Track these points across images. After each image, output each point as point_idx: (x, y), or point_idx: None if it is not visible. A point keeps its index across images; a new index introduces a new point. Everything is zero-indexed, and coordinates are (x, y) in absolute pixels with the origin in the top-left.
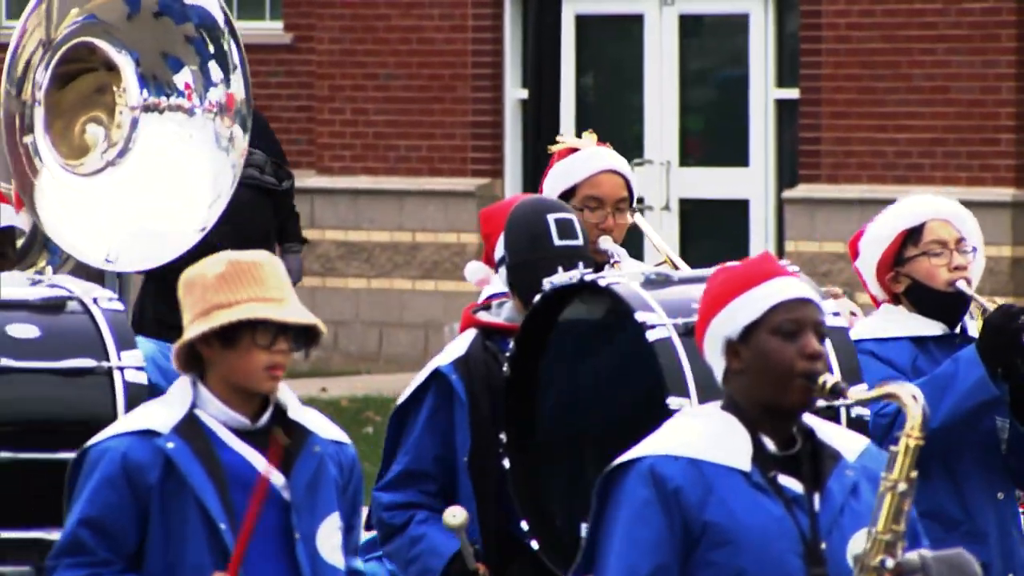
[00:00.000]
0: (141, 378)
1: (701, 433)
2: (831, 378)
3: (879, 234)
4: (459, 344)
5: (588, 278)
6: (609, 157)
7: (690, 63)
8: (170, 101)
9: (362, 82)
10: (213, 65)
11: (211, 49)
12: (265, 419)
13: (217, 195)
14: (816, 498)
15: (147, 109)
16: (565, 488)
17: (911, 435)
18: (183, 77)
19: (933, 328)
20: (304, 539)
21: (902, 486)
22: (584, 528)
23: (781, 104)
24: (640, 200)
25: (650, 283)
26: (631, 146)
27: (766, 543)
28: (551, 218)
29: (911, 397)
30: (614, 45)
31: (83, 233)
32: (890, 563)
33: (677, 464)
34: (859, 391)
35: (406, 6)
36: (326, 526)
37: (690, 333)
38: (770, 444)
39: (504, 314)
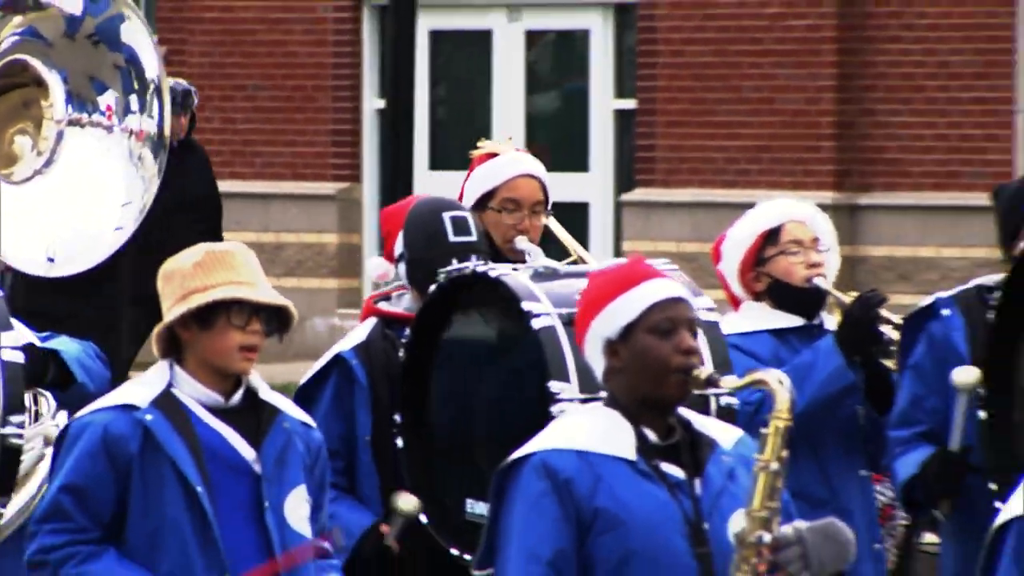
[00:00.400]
0: (17, 357)
1: (587, 428)
2: (705, 370)
3: (740, 237)
4: (360, 332)
5: (480, 270)
6: (527, 162)
7: (535, 75)
8: (92, 118)
9: (231, 93)
10: (134, 98)
11: (135, 86)
12: (237, 398)
13: (129, 199)
14: (697, 483)
15: (71, 123)
16: (454, 467)
17: (780, 417)
18: (106, 99)
19: (792, 321)
20: (273, 508)
21: (774, 465)
22: (470, 504)
23: (620, 114)
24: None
25: (538, 276)
26: None
27: (653, 526)
28: (447, 216)
29: (778, 382)
30: (465, 58)
31: (20, 237)
32: (767, 538)
33: (567, 457)
34: (731, 380)
35: (272, 22)
36: (293, 497)
37: (574, 322)
38: (651, 435)
39: (403, 304)
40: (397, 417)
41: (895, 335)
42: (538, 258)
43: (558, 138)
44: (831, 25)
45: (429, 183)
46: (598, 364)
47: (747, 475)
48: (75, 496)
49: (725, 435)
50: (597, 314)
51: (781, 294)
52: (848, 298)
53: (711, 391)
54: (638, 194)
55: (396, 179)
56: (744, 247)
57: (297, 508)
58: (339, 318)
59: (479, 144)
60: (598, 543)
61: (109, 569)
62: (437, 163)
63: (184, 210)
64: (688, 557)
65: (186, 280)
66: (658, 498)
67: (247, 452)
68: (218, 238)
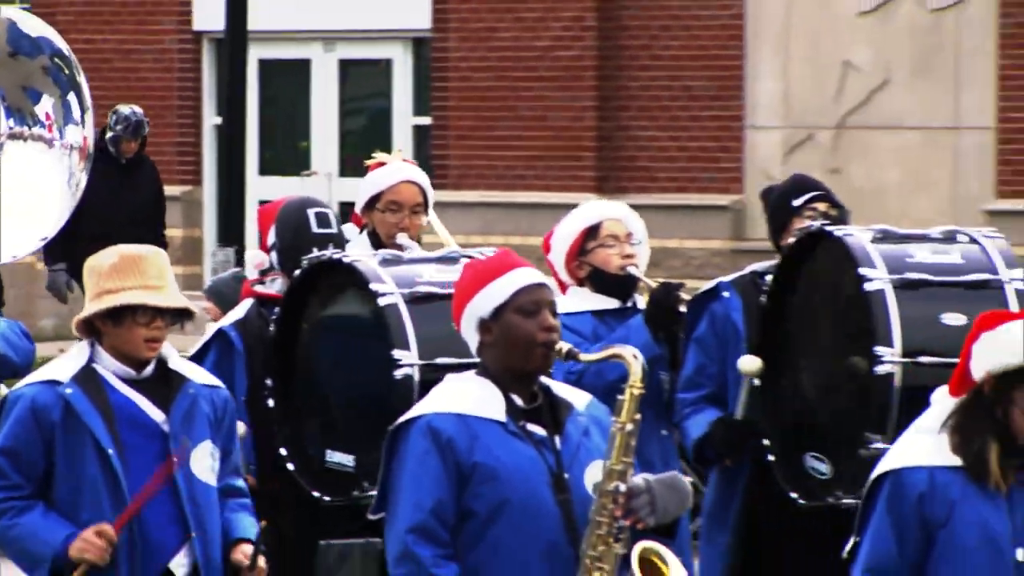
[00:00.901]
0: None
1: (465, 394)
2: (565, 345)
3: (566, 232)
4: (239, 310)
5: (336, 257)
6: (409, 171)
7: (347, 96)
8: (32, 131)
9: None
10: (72, 98)
11: (66, 75)
12: (149, 370)
13: (60, 216)
14: (557, 440)
15: (12, 137)
16: (316, 423)
17: (634, 386)
18: (43, 107)
19: (609, 304)
20: (182, 463)
21: (629, 427)
22: (329, 454)
23: (417, 129)
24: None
25: (385, 262)
26: (302, 161)
27: (522, 476)
28: (311, 212)
29: (632, 356)
30: (288, 82)
31: None
32: (622, 487)
33: (448, 419)
34: (590, 355)
35: (125, 52)
36: (198, 452)
37: (415, 301)
38: (518, 400)
39: (275, 287)
40: (268, 381)
41: None
42: (414, 251)
43: (367, 149)
44: (592, 55)
45: (258, 186)
46: (472, 340)
47: (599, 434)
48: (10, 458)
49: (578, 399)
50: (472, 297)
51: (600, 280)
52: (654, 284)
53: (571, 362)
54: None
55: (231, 183)
56: (569, 240)
57: (202, 460)
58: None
59: (373, 155)
60: (476, 493)
61: (37, 520)
62: (265, 170)
63: (136, 224)
64: (552, 503)
65: (101, 280)
66: (525, 454)
67: (157, 415)
68: (161, 241)
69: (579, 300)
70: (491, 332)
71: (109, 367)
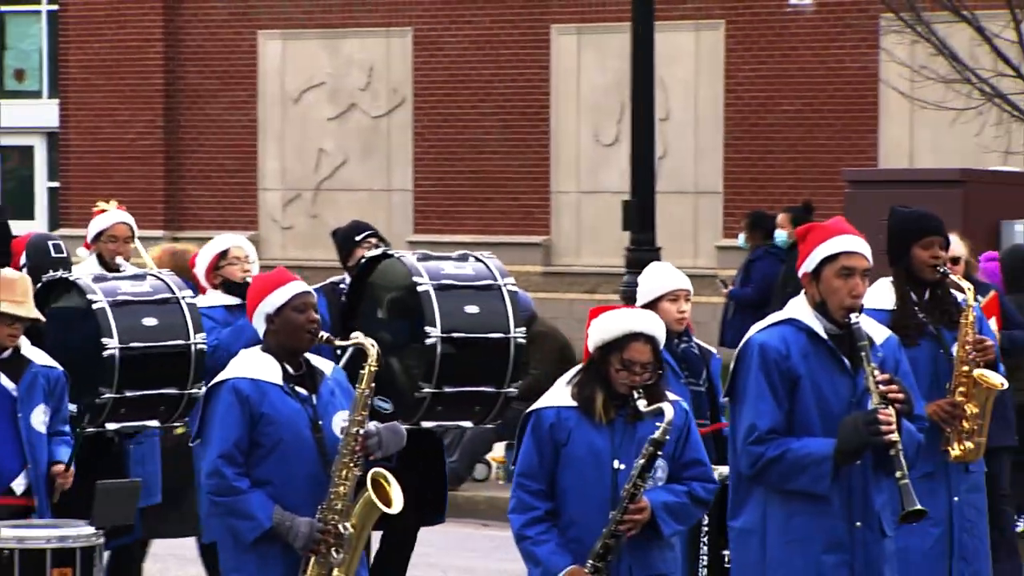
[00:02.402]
0: None
1: (256, 364)
2: (325, 333)
3: (206, 254)
4: None
5: (64, 275)
6: (120, 215)
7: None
8: None
9: None
10: None
11: None
12: (7, 354)
13: None
14: (314, 397)
15: None
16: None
17: (371, 365)
18: None
19: (236, 301)
20: (24, 418)
21: (367, 391)
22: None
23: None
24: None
25: (97, 279)
26: None
27: (292, 421)
28: (50, 243)
29: (370, 344)
30: None
31: None
32: (361, 431)
33: (246, 382)
34: (340, 341)
35: None
36: (36, 411)
37: (117, 305)
38: (290, 369)
39: None
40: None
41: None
42: (129, 269)
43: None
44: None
45: None
46: (261, 327)
47: (340, 392)
48: None
49: (327, 367)
50: (263, 299)
51: (228, 286)
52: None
53: (333, 344)
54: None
55: None
56: (207, 261)
57: (38, 416)
58: None
59: (97, 203)
60: (263, 432)
61: None
62: None
63: None
64: (311, 439)
65: None
66: (294, 406)
67: (10, 385)
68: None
69: (215, 298)
70: (275, 322)
71: None
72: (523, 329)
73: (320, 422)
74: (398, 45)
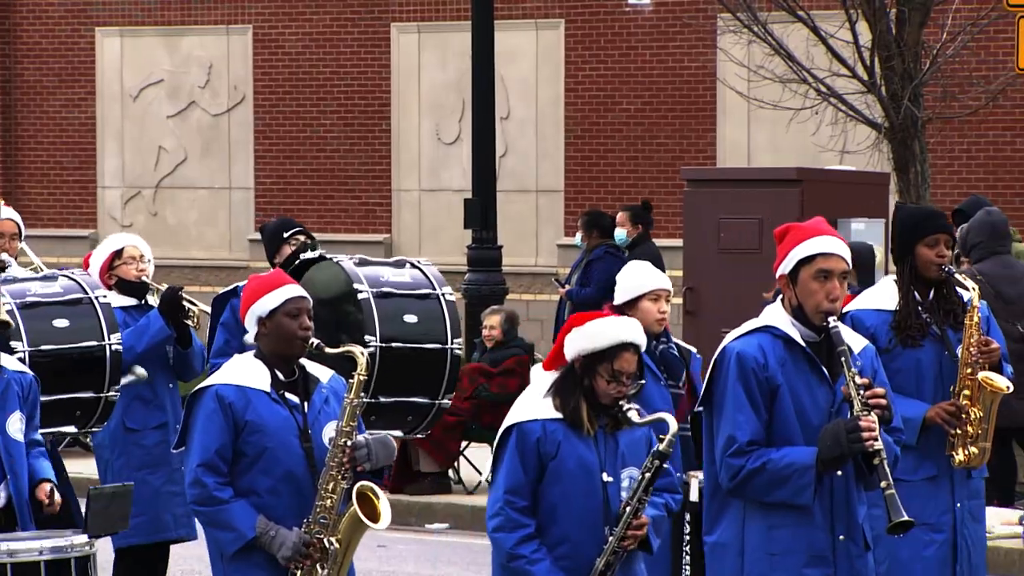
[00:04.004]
0: None
1: (243, 370)
2: (315, 340)
3: (99, 255)
4: None
5: None
6: (8, 212)
7: None
8: None
9: None
10: None
11: None
12: None
13: None
14: (306, 405)
15: None
16: None
17: (361, 374)
18: None
19: (132, 301)
20: (0, 423)
21: (356, 401)
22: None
23: None
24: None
25: (5, 282)
26: None
27: (279, 430)
28: None
29: (360, 353)
30: None
31: None
32: (350, 441)
33: (230, 388)
34: (331, 348)
35: None
36: (12, 419)
37: (30, 306)
38: (280, 375)
39: None
40: None
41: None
42: (13, 267)
43: None
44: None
45: None
46: (253, 331)
47: (335, 400)
48: None
49: (324, 375)
50: (255, 302)
51: (124, 286)
52: (163, 287)
53: (325, 351)
54: None
55: None
56: (101, 260)
57: (14, 424)
58: None
59: None
60: (248, 441)
61: None
62: None
63: None
64: (299, 449)
65: None
66: (282, 414)
67: None
68: None
69: (112, 300)
70: (266, 327)
71: None
72: (460, 340)
73: (310, 431)
74: (238, 43)
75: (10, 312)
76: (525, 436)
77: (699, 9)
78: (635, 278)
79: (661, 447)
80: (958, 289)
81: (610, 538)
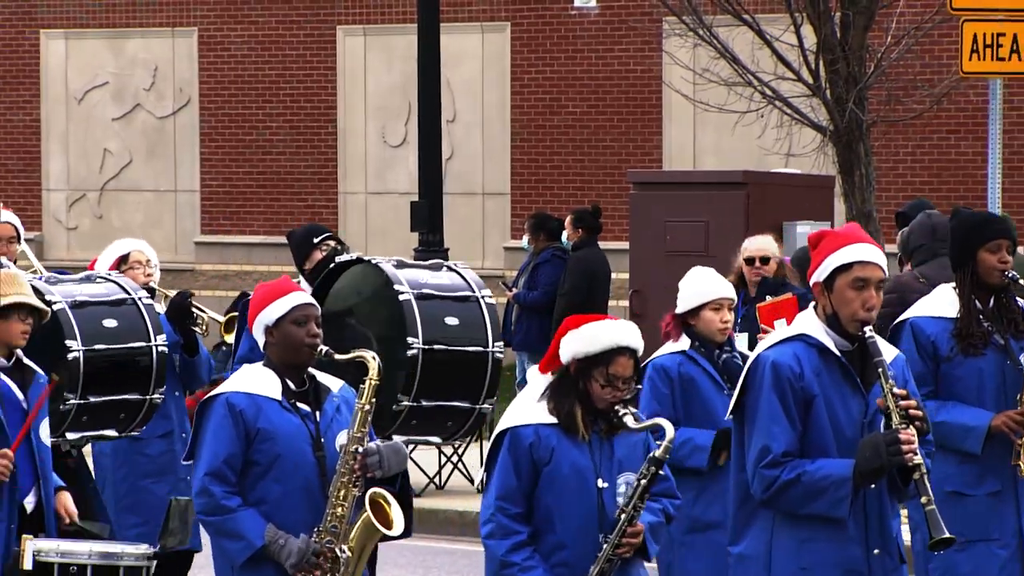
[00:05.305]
0: None
1: (253, 378)
2: (324, 347)
3: (106, 258)
4: None
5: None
6: (6, 216)
7: None
8: None
9: None
10: None
11: None
12: (11, 361)
13: None
14: (317, 414)
15: None
16: None
17: (372, 379)
18: None
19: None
20: (34, 428)
21: (367, 407)
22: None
23: None
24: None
25: (49, 281)
26: None
27: (291, 438)
28: None
29: (371, 358)
30: None
31: None
32: (361, 449)
33: (241, 396)
34: (341, 355)
35: None
36: (43, 424)
37: (80, 306)
38: (291, 384)
39: None
40: None
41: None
42: (11, 268)
43: None
44: None
45: None
46: (261, 340)
47: (347, 409)
48: None
49: (334, 384)
50: (263, 309)
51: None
52: (171, 293)
53: (333, 357)
54: None
55: None
56: (107, 266)
57: (45, 429)
58: None
59: None
60: (259, 449)
61: None
62: None
63: None
64: (311, 457)
65: None
66: (294, 422)
67: (20, 395)
68: None
69: None
70: (274, 335)
71: None
72: (501, 344)
73: (323, 440)
74: (183, 45)
75: (61, 311)
76: (518, 441)
77: (644, 12)
78: (696, 286)
79: (658, 453)
80: (1016, 297)
81: (604, 545)
